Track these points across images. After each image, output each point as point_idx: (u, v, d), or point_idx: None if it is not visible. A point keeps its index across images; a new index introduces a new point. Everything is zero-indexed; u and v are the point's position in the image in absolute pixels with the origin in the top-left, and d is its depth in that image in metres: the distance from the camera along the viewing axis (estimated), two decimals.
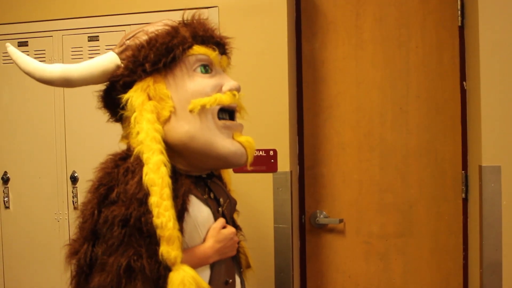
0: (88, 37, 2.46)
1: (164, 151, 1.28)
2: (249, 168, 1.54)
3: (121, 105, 1.36)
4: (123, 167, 1.27)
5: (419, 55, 2.43)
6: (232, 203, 1.54)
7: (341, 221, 2.47)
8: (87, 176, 1.42)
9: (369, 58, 2.47)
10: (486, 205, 2.12)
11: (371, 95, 2.47)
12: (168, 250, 1.22)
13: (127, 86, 1.36)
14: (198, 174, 1.41)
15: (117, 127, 1.48)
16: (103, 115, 1.52)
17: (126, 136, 1.42)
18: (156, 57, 1.34)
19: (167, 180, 1.25)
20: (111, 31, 2.43)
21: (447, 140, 2.41)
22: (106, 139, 2.39)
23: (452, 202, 2.41)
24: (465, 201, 2.38)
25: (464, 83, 2.37)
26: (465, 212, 2.38)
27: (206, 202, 1.37)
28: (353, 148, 2.49)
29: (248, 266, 1.65)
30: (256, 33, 2.29)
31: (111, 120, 1.48)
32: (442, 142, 2.42)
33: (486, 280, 2.12)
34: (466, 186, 2.36)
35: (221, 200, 1.46)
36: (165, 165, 1.27)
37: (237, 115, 1.48)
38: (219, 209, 1.44)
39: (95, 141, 2.49)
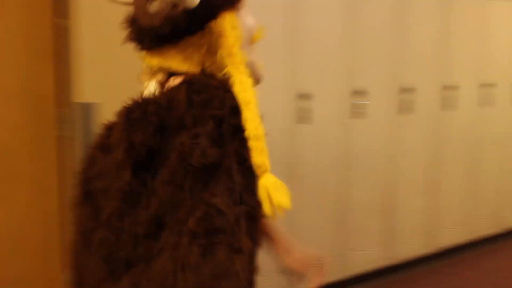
0: None
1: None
2: None
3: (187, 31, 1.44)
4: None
5: None
6: None
7: None
8: None
9: None
10: (84, 143, 2.24)
11: None
12: (263, 159, 1.32)
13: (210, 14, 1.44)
14: None
15: None
16: None
17: (185, 60, 1.48)
18: None
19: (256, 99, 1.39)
20: None
21: (44, 79, 2.39)
22: None
23: (53, 141, 2.43)
24: (64, 138, 2.42)
25: (57, 19, 2.35)
26: (62, 150, 2.44)
27: None
28: None
29: None
30: None
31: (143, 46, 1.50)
32: (38, 81, 2.39)
33: None
34: (66, 124, 2.39)
35: None
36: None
37: None
38: None
39: None
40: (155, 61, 1.51)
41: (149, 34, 1.50)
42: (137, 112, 1.38)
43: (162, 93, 1.44)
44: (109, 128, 1.43)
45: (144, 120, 1.37)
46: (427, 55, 3.65)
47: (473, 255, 4.14)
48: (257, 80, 1.61)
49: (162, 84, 1.49)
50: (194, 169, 1.24)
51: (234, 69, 1.42)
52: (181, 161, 1.26)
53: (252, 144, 1.34)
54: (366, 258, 3.54)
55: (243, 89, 1.40)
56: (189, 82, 1.41)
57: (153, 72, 1.54)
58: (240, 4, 1.50)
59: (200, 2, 1.40)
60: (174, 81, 1.46)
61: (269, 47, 2.83)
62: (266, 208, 1.29)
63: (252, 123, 1.36)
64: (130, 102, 1.41)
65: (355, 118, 3.32)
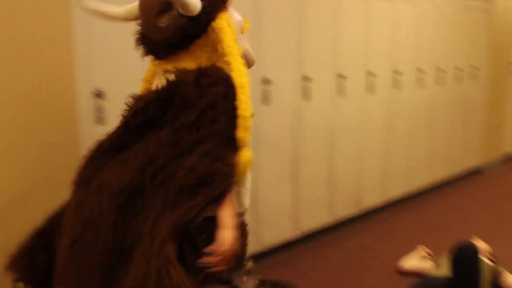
0: None
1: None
2: None
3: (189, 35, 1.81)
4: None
5: None
6: None
7: None
8: None
9: None
10: None
11: None
12: (245, 136, 1.72)
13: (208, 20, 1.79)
14: None
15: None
16: None
17: (203, 58, 1.83)
18: None
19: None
20: None
21: None
22: None
23: None
24: None
25: None
26: None
27: None
28: None
29: None
30: None
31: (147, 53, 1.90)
32: None
33: None
34: None
35: None
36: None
37: None
38: None
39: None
40: (170, 66, 1.86)
41: (163, 45, 1.83)
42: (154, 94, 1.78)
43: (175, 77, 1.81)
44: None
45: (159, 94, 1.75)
46: (286, 48, 3.79)
47: (335, 236, 4.37)
48: (251, 63, 2.02)
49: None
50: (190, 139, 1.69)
51: (233, 59, 1.75)
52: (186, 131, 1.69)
53: (240, 122, 1.71)
54: None
55: (240, 75, 1.74)
56: (199, 69, 1.78)
57: (166, 71, 1.87)
58: (228, 4, 1.86)
59: (200, 9, 1.76)
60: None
61: None
62: (239, 172, 1.74)
63: (244, 105, 1.71)
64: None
65: None
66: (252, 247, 3.70)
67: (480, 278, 2.93)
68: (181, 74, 1.80)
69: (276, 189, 3.86)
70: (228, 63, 1.76)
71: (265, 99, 3.67)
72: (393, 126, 4.92)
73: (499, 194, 5.66)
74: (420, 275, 3.41)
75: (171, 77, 1.83)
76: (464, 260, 2.91)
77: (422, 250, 3.86)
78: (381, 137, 4.79)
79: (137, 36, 1.91)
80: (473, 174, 6.30)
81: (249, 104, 1.75)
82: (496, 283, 3.43)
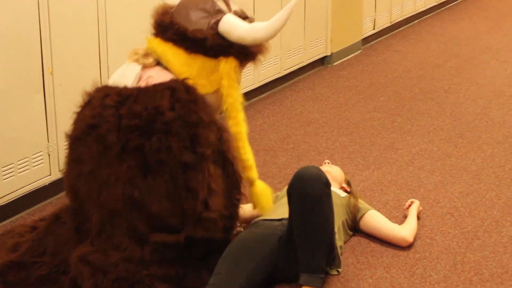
0: None
1: None
2: None
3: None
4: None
5: None
6: None
7: None
8: None
9: None
10: None
11: None
12: (251, 173, 2.27)
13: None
14: None
15: None
16: None
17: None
18: None
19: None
20: None
21: None
22: None
23: None
24: None
25: None
26: None
27: None
28: None
29: None
30: None
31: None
32: None
33: None
34: None
35: None
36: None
37: None
38: None
39: None
40: (160, 49, 2.13)
41: (180, 34, 2.09)
42: (125, 109, 2.03)
43: (145, 90, 2.06)
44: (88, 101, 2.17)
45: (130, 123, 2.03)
46: None
47: None
48: None
49: (144, 68, 2.12)
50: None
51: (231, 108, 2.17)
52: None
53: (244, 164, 2.29)
54: None
55: (236, 124, 2.19)
56: (173, 89, 2.05)
57: (144, 55, 2.12)
58: (245, 65, 2.24)
59: (225, 40, 2.09)
60: (155, 77, 2.09)
61: None
62: (259, 208, 2.34)
63: (243, 149, 2.24)
64: (113, 88, 2.10)
65: None
66: None
67: (331, 218, 2.28)
68: (154, 92, 2.05)
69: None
70: (228, 114, 2.15)
71: None
72: None
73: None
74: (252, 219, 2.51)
75: (146, 61, 2.11)
76: (307, 193, 2.20)
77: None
78: None
79: (161, 11, 2.17)
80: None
81: (248, 147, 2.23)
82: (355, 222, 2.72)
